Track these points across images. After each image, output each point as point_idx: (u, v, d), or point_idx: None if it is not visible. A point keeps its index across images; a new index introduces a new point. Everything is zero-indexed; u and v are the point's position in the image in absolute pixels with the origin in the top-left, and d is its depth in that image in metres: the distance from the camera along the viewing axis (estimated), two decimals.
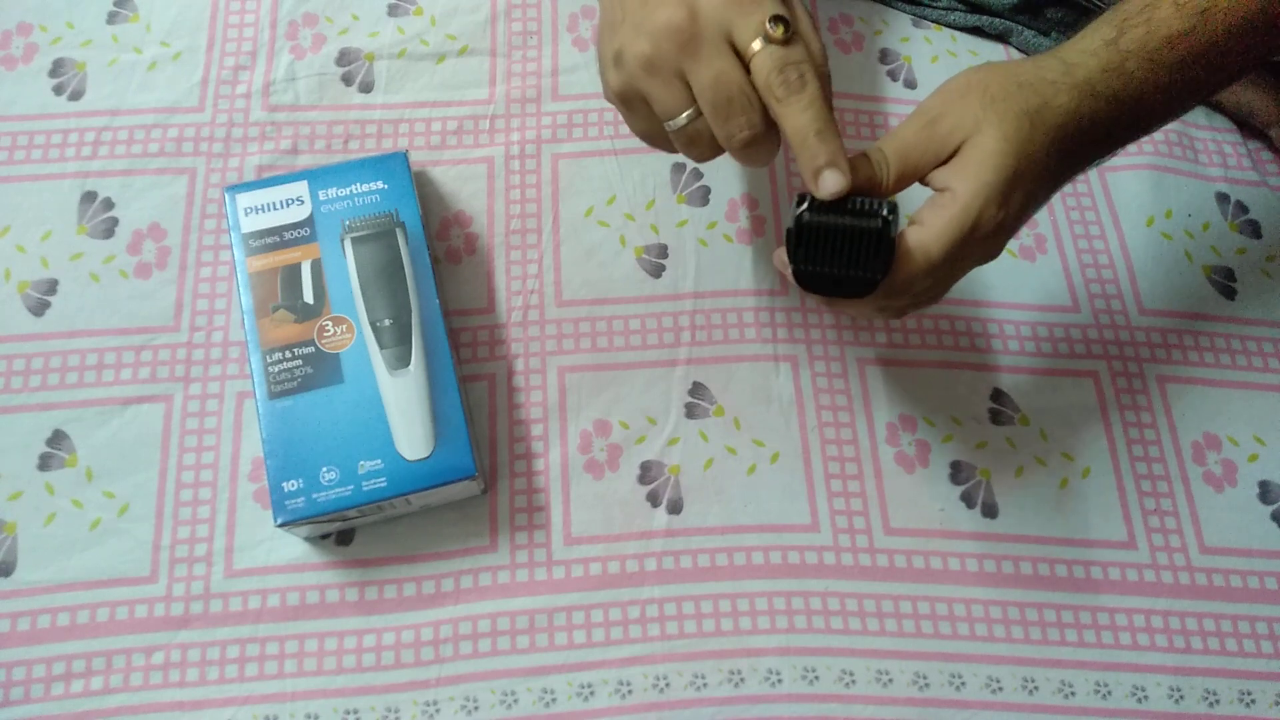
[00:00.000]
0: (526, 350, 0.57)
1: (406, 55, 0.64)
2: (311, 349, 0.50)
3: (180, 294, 0.57)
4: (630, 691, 0.50)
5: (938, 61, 0.67)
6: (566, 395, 0.56)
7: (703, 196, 0.62)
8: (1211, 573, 0.54)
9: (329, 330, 0.50)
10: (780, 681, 0.50)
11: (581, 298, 0.59)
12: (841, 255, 0.40)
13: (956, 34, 0.68)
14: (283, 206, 0.53)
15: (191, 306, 0.57)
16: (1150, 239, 0.62)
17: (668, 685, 0.50)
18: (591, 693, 0.50)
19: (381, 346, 0.51)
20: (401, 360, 0.50)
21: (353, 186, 0.54)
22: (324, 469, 0.48)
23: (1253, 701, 0.51)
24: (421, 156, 0.62)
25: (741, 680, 0.50)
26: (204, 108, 0.62)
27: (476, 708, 0.49)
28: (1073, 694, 0.51)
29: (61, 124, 0.61)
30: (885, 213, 0.39)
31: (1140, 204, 0.63)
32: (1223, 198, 0.64)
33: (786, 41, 0.38)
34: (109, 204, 0.59)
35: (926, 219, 0.40)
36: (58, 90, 0.62)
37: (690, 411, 0.56)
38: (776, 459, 0.55)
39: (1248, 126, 0.66)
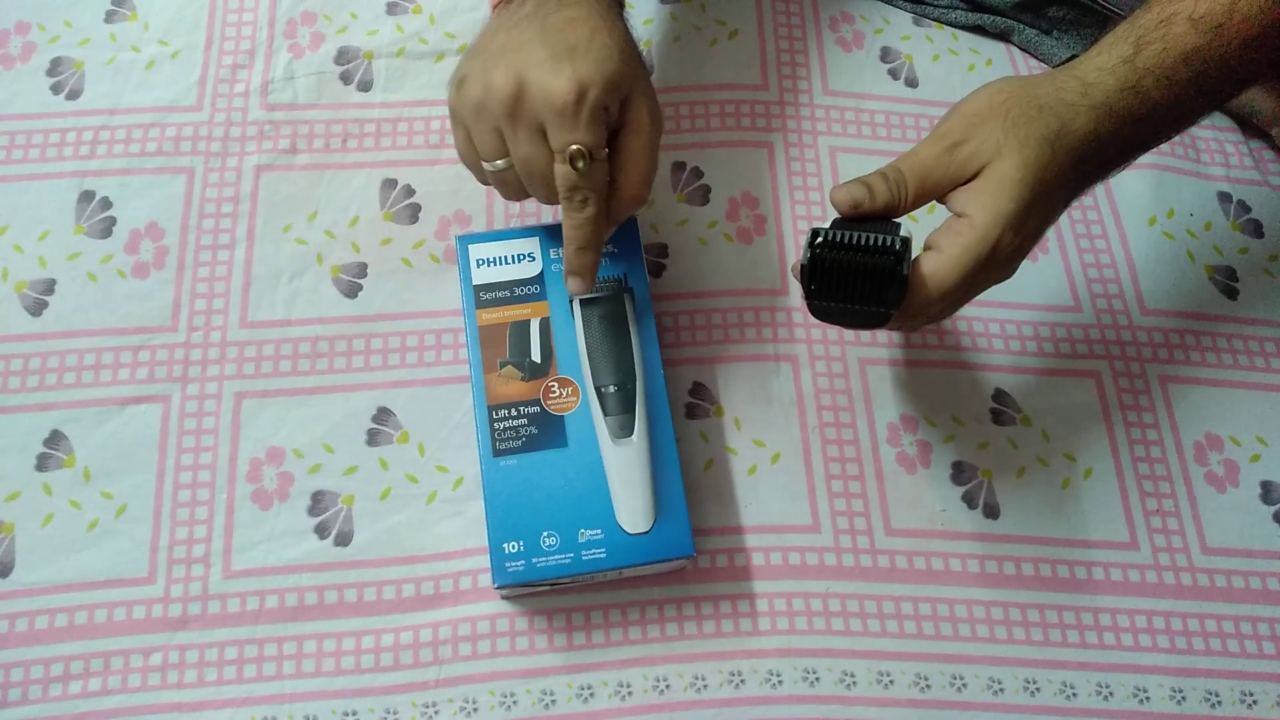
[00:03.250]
0: None
1: (405, 54, 0.64)
2: (537, 409, 0.49)
3: (178, 294, 0.57)
4: (630, 693, 0.50)
5: (939, 60, 0.67)
6: None
7: (703, 196, 0.62)
8: (1213, 573, 0.54)
9: (555, 391, 0.50)
10: (781, 683, 0.50)
11: None
12: (855, 290, 0.40)
13: (958, 32, 0.68)
14: (514, 261, 0.52)
15: (189, 306, 0.57)
16: (1152, 238, 0.62)
17: (668, 687, 0.50)
18: (591, 694, 0.50)
19: (605, 413, 0.50)
20: (625, 429, 0.49)
21: None
22: (544, 534, 0.47)
23: (1254, 703, 0.51)
24: (421, 156, 0.61)
25: (742, 682, 0.50)
26: (202, 107, 0.62)
27: (476, 709, 0.49)
28: (1074, 695, 0.51)
29: (59, 123, 0.61)
30: (898, 248, 0.39)
31: (1142, 203, 0.63)
32: (1225, 197, 0.64)
33: (583, 172, 0.42)
34: (106, 203, 0.59)
35: (943, 246, 0.40)
36: (55, 89, 0.62)
37: (690, 412, 0.56)
38: (777, 459, 0.55)
39: (1249, 126, 0.66)
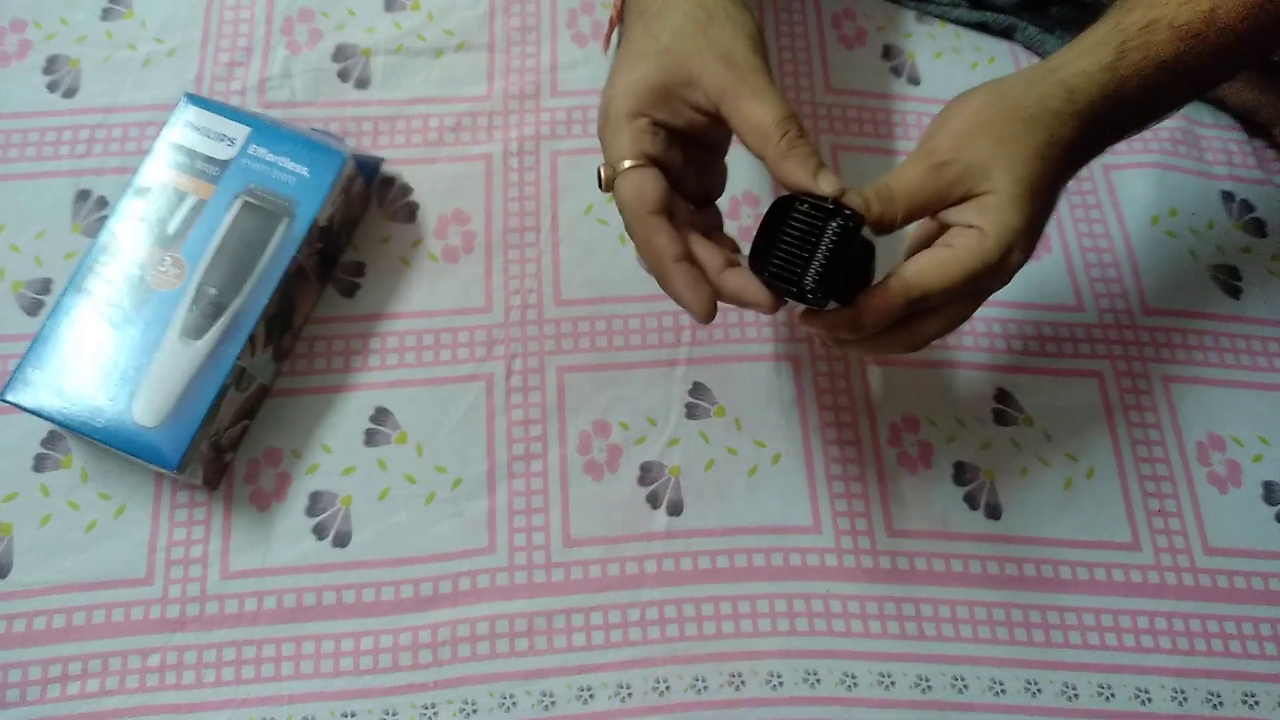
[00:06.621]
0: (525, 350, 0.56)
1: (403, 51, 0.64)
2: (139, 274, 0.50)
3: None
4: (630, 695, 0.50)
5: (941, 57, 0.66)
6: (565, 395, 0.56)
7: None
8: (1215, 574, 0.54)
9: (164, 265, 0.50)
10: (781, 684, 0.50)
11: (581, 297, 0.58)
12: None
13: (960, 30, 0.67)
14: (215, 138, 0.53)
15: None
16: (1155, 237, 0.62)
17: (668, 688, 0.50)
18: (591, 696, 0.50)
19: (190, 309, 0.50)
20: (197, 332, 0.50)
21: (281, 159, 0.53)
22: (75, 376, 0.49)
23: (1256, 704, 0.51)
24: (418, 153, 0.61)
25: (742, 683, 0.50)
26: None
27: (475, 711, 0.49)
28: (1076, 696, 0.51)
29: (55, 121, 0.60)
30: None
31: (1145, 202, 0.62)
32: (1227, 196, 0.63)
33: (610, 190, 0.41)
34: (103, 202, 0.59)
35: (954, 243, 0.40)
36: (51, 87, 0.61)
37: (691, 412, 0.56)
38: (778, 460, 0.55)
39: (1252, 124, 0.66)
